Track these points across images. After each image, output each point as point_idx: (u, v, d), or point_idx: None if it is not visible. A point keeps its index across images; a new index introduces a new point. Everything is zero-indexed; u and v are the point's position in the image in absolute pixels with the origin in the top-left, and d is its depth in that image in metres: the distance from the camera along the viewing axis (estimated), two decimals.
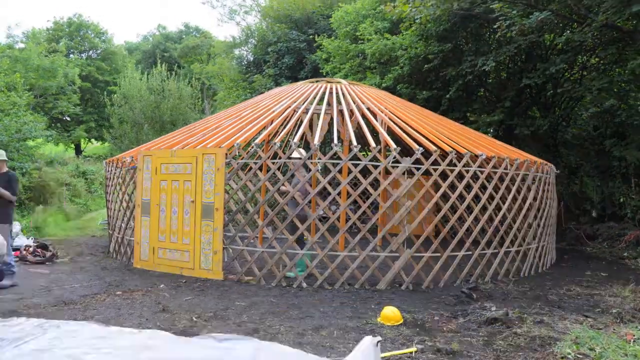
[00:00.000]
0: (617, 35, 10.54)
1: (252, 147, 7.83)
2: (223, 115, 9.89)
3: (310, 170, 7.37)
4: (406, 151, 9.89)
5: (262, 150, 8.98)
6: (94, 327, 2.72)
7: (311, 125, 9.19)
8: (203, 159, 7.39)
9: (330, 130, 9.24)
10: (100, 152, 30.37)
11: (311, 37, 18.79)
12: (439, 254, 7.02)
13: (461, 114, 13.31)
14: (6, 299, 5.95)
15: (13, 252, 7.35)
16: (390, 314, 5.15)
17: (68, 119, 29.38)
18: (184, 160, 7.63)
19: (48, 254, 8.87)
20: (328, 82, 9.99)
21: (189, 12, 77.27)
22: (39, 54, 23.95)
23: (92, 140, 32.83)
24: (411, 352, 4.25)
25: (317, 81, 10.30)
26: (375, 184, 9.41)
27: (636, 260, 9.34)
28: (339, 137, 8.49)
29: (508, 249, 7.71)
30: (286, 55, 19.00)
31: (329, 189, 7.19)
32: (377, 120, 8.37)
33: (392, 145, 7.26)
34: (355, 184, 11.44)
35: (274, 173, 7.36)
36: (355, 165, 6.99)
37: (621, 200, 11.50)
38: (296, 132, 8.81)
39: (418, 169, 7.06)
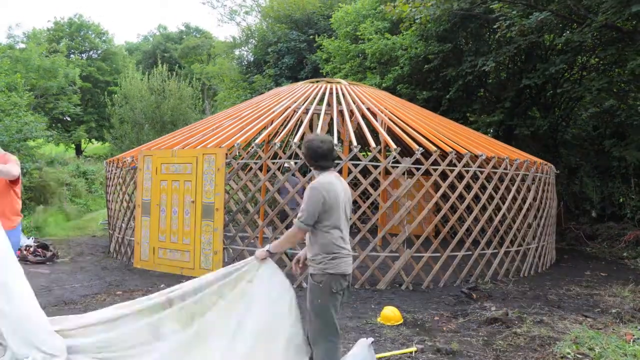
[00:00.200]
0: (617, 36, 10.54)
1: (252, 147, 7.85)
2: (223, 115, 9.90)
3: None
4: (406, 151, 9.90)
5: (262, 151, 8.99)
6: None
7: (311, 126, 9.20)
8: (203, 159, 7.40)
9: (330, 131, 9.25)
10: (101, 152, 30.37)
11: (311, 37, 18.80)
12: (438, 254, 7.03)
13: (461, 114, 13.32)
14: None
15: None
16: (390, 314, 5.16)
17: (69, 119, 29.37)
18: (185, 160, 7.64)
19: (48, 253, 8.88)
20: (328, 82, 10.00)
21: (189, 12, 77.21)
22: (39, 54, 23.93)
23: (93, 140, 32.83)
24: (411, 352, 4.26)
25: (317, 81, 10.31)
26: (375, 184, 9.43)
27: (636, 260, 9.35)
28: (339, 137, 8.52)
29: (508, 249, 7.72)
30: (286, 56, 19.00)
31: None
32: (377, 121, 8.37)
33: (392, 145, 7.27)
34: (355, 184, 11.45)
35: (274, 173, 7.37)
36: (355, 166, 7.00)
37: (621, 200, 11.50)
38: (296, 133, 8.81)
39: (418, 169, 7.07)
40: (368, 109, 8.66)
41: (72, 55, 32.09)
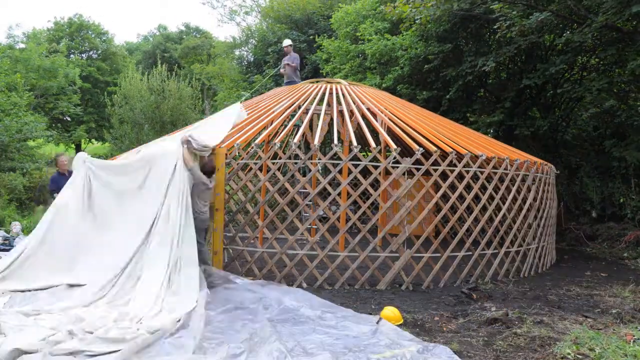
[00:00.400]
0: (617, 36, 10.54)
1: (252, 148, 7.84)
2: None
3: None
4: (406, 151, 9.90)
5: (262, 151, 8.99)
6: None
7: (311, 126, 9.19)
8: None
9: (330, 131, 9.25)
10: (101, 152, 30.32)
11: (311, 37, 18.82)
12: (439, 254, 7.02)
13: (461, 114, 13.32)
14: None
15: None
16: (390, 314, 5.16)
17: (68, 119, 29.37)
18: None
19: None
20: (328, 82, 9.99)
21: (189, 12, 77.18)
22: (39, 54, 23.95)
23: (93, 140, 32.83)
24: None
25: (317, 81, 10.30)
26: (375, 184, 9.42)
27: (636, 260, 9.35)
28: (339, 138, 8.50)
29: (508, 249, 7.72)
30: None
31: (329, 189, 7.20)
32: (377, 121, 8.37)
33: (392, 145, 7.26)
34: (355, 184, 11.45)
35: (274, 173, 7.36)
36: (356, 166, 7.00)
37: (621, 200, 11.49)
38: (296, 133, 8.81)
39: (418, 169, 7.06)
40: (368, 109, 8.65)
41: (72, 55, 32.10)
